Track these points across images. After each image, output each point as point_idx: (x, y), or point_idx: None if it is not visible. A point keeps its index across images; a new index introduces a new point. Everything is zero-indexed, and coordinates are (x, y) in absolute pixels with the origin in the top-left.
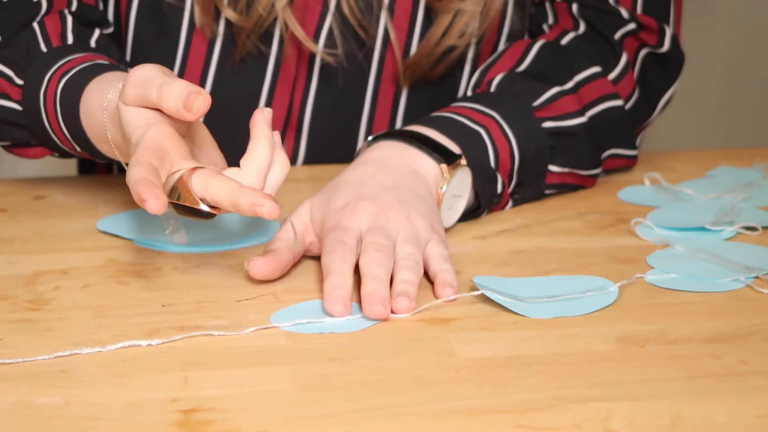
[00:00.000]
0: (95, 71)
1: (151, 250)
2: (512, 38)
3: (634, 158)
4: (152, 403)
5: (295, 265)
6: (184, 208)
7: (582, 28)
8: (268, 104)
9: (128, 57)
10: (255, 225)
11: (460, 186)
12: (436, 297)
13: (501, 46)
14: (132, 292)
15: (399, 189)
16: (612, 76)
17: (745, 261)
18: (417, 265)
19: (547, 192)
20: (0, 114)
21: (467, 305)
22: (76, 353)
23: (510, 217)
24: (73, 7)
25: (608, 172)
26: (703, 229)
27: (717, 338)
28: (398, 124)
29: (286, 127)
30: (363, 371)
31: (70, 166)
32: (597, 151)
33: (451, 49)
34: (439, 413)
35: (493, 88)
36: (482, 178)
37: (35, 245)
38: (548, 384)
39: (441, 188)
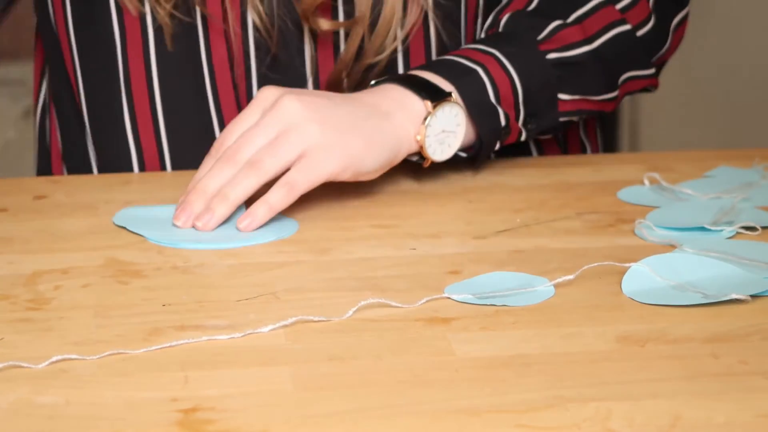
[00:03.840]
0: None
1: (151, 250)
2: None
3: (653, 78)
4: (152, 403)
5: (295, 265)
6: None
7: None
8: (213, 85)
9: (74, 53)
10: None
11: (452, 122)
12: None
13: (432, 50)
14: (132, 292)
15: (357, 112)
16: (620, 5)
17: (763, 258)
18: (246, 182)
19: (562, 120)
20: None
21: (467, 305)
22: (73, 358)
23: (510, 217)
24: None
25: (631, 93)
26: (702, 229)
27: (717, 338)
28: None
29: (241, 109)
30: (363, 371)
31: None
32: (610, 77)
33: (372, 65)
34: (439, 413)
35: (500, 28)
36: (480, 113)
37: (35, 245)
38: (548, 384)
39: (425, 123)
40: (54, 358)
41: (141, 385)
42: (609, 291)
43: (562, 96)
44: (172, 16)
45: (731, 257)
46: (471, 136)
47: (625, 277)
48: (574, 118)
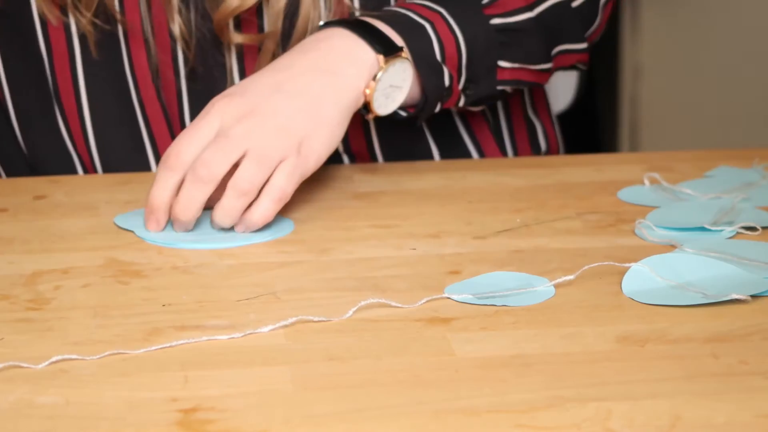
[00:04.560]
0: None
1: (151, 250)
2: None
3: (584, 52)
4: (152, 403)
5: (295, 265)
6: None
7: None
8: (138, 96)
9: (3, 81)
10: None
11: (399, 77)
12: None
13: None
14: (132, 292)
15: (306, 91)
16: None
17: (763, 258)
18: (232, 210)
19: (499, 88)
20: None
21: (467, 305)
22: (74, 358)
23: (510, 217)
24: None
25: (562, 68)
26: (703, 229)
27: (717, 338)
28: None
29: (171, 123)
30: (363, 371)
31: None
32: (547, 47)
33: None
34: (439, 413)
35: None
36: (427, 70)
37: (35, 245)
38: (548, 384)
39: (376, 77)
40: (54, 358)
41: (141, 385)
42: (609, 291)
43: (502, 63)
44: (93, 24)
45: (731, 257)
46: (414, 93)
47: (625, 278)
48: (509, 89)
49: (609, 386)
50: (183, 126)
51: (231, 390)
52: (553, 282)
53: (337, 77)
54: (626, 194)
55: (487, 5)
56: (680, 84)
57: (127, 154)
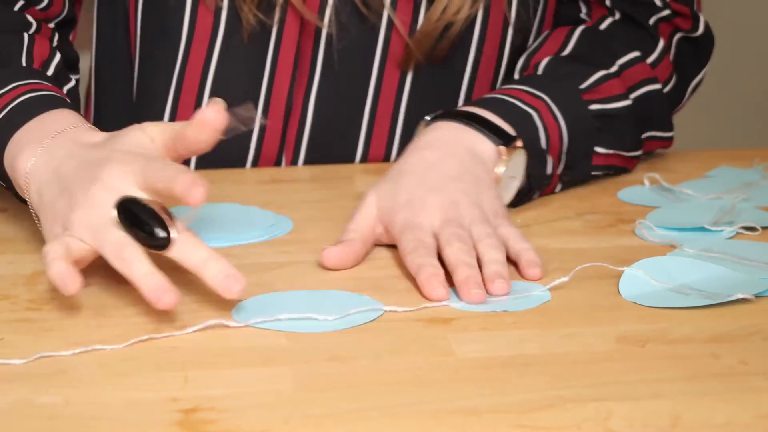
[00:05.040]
0: (59, 104)
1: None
2: (519, 27)
3: (670, 140)
4: (152, 403)
5: (295, 265)
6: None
7: (617, 15)
8: (269, 85)
9: (137, 38)
10: (256, 222)
11: (515, 168)
12: (523, 277)
13: (509, 33)
14: (132, 292)
15: (463, 178)
16: (650, 60)
17: (763, 258)
18: (500, 244)
19: (593, 173)
20: None
21: (467, 305)
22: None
23: (510, 217)
24: (54, 42)
25: (648, 154)
26: (703, 229)
27: (717, 338)
28: (402, 110)
29: (290, 113)
30: (363, 371)
31: None
32: (640, 133)
33: (450, 24)
34: (439, 413)
35: (540, 71)
36: (534, 160)
37: (36, 245)
38: (548, 384)
39: (498, 170)
40: (51, 353)
41: (141, 385)
42: (609, 291)
43: (598, 149)
44: (253, 14)
45: (731, 257)
46: (522, 181)
47: (621, 282)
48: (601, 173)
49: (609, 386)
50: (303, 114)
51: (231, 390)
52: (548, 286)
53: (472, 175)
54: (626, 194)
55: (586, 90)
56: None
57: (230, 142)
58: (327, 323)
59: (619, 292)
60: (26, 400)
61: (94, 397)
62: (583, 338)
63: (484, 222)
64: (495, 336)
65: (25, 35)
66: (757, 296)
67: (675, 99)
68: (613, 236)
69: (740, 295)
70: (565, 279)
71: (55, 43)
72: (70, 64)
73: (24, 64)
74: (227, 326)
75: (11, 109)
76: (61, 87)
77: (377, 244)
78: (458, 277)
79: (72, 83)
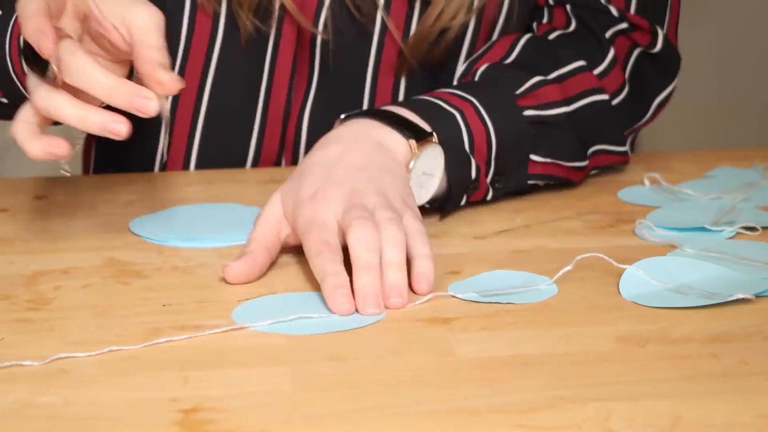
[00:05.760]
0: None
1: (151, 250)
2: (508, 32)
3: (624, 154)
4: (152, 403)
5: (295, 265)
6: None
7: (573, 25)
8: (267, 90)
9: None
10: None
11: (431, 164)
12: (411, 289)
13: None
14: (132, 292)
15: (368, 167)
16: (597, 70)
17: (763, 258)
18: (401, 237)
19: (530, 182)
20: None
21: (467, 305)
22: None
23: (510, 217)
24: None
25: (601, 169)
26: (703, 229)
27: (717, 338)
28: None
29: (288, 117)
30: (363, 371)
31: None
32: (582, 144)
33: (445, 30)
34: (439, 413)
35: (477, 78)
36: (454, 160)
37: (36, 245)
38: (548, 384)
39: (410, 164)
40: (54, 356)
41: (141, 385)
42: (609, 291)
43: (533, 157)
44: (251, 21)
45: (731, 257)
46: (444, 184)
47: (621, 282)
48: (541, 183)
49: (609, 386)
50: (300, 119)
51: (231, 390)
52: (553, 279)
53: (387, 168)
54: (626, 194)
55: (522, 95)
56: (680, 84)
57: (229, 145)
58: (331, 323)
59: (619, 292)
60: (26, 400)
61: (94, 397)
62: (583, 338)
63: (388, 207)
64: (495, 336)
65: None
66: (757, 296)
67: (633, 113)
68: (613, 236)
69: (740, 295)
70: (569, 268)
71: None
72: None
73: None
74: (227, 327)
75: None
76: None
77: (294, 246)
78: (356, 283)
79: None
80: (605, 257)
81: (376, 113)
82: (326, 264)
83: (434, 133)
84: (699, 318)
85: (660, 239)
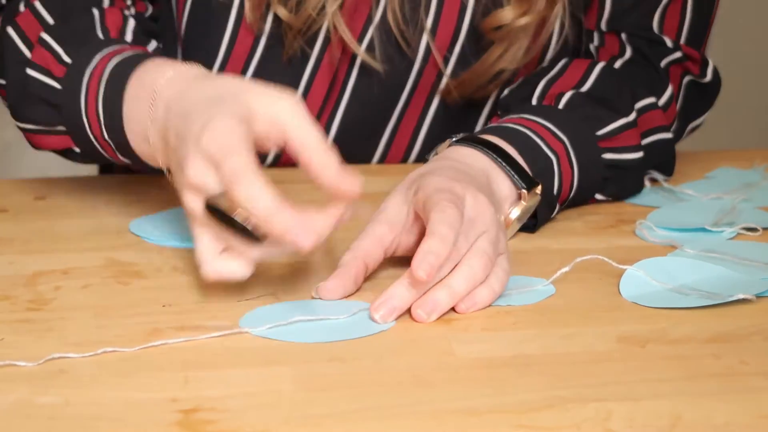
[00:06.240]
0: (151, 56)
1: (152, 250)
2: (552, 57)
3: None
4: (152, 403)
5: (295, 265)
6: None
7: (628, 53)
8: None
9: (179, 52)
10: None
11: (527, 212)
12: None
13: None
14: (132, 292)
15: (492, 200)
16: (661, 104)
17: (763, 258)
18: (481, 273)
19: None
20: (36, 89)
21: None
22: (71, 356)
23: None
24: (132, 11)
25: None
26: (703, 229)
27: (717, 338)
28: (421, 137)
29: None
30: (363, 371)
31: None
32: (641, 180)
33: (501, 72)
34: (439, 413)
35: (562, 105)
36: (544, 205)
37: (36, 245)
38: (548, 384)
39: (513, 213)
40: (53, 356)
41: (141, 385)
42: (609, 291)
43: (598, 196)
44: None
45: (732, 258)
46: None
47: (621, 282)
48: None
49: (609, 386)
50: (327, 131)
51: (231, 390)
52: (550, 280)
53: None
54: None
55: (603, 138)
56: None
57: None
58: (333, 330)
59: (619, 292)
60: (26, 400)
61: (94, 397)
62: (583, 338)
63: (492, 241)
64: (495, 336)
65: (95, 10)
66: (758, 296)
67: (676, 139)
68: (613, 236)
69: (740, 295)
70: (566, 269)
71: (129, 12)
72: (149, 33)
73: (101, 37)
74: (227, 327)
75: (107, 80)
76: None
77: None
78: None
79: (153, 45)
80: (605, 258)
81: (484, 144)
82: (443, 224)
83: (539, 184)
84: (699, 318)
85: (660, 240)
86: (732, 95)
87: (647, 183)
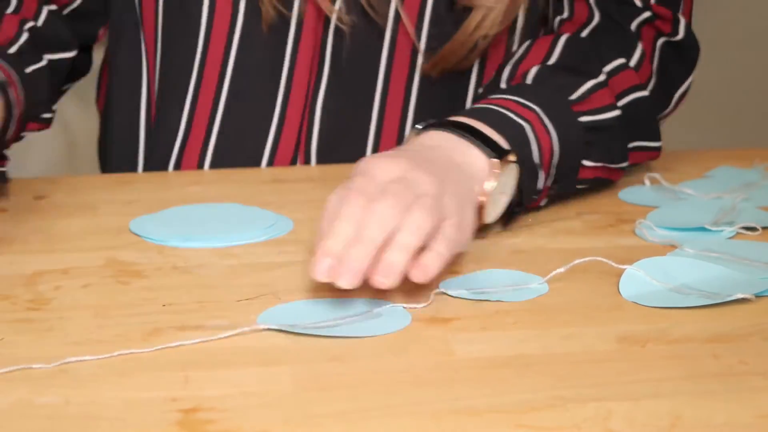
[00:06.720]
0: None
1: (151, 250)
2: (523, 33)
3: (658, 150)
4: (152, 403)
5: (295, 265)
6: None
7: (597, 18)
8: (289, 75)
9: (160, 28)
10: (256, 222)
11: (507, 183)
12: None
13: (515, 40)
14: (132, 292)
15: (443, 171)
16: (632, 64)
17: (763, 258)
18: (427, 223)
19: (578, 187)
20: None
21: (468, 305)
22: (72, 360)
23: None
24: (40, 22)
25: (634, 165)
26: (703, 229)
27: (717, 338)
28: (412, 104)
29: (308, 105)
30: (363, 371)
31: (73, 167)
32: (626, 144)
33: (483, 38)
34: (438, 413)
35: (529, 80)
36: (527, 175)
37: (36, 245)
38: (548, 384)
39: (489, 185)
40: (68, 359)
41: (141, 385)
42: (609, 291)
43: (585, 162)
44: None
45: (731, 257)
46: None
47: (621, 281)
48: (587, 186)
49: (609, 386)
50: (312, 107)
51: (231, 390)
52: (545, 279)
53: (470, 179)
54: (626, 194)
55: (575, 102)
56: None
57: (250, 134)
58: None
59: (619, 292)
60: (26, 400)
61: (94, 397)
62: (583, 338)
63: (432, 205)
64: (495, 336)
65: None
66: (757, 296)
67: (659, 104)
68: (613, 236)
69: (740, 295)
70: (561, 270)
71: (29, 24)
72: (50, 44)
73: None
74: (227, 327)
75: None
76: (23, 65)
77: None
78: (346, 254)
79: (42, 63)
80: (604, 259)
81: (453, 125)
82: (342, 220)
83: (512, 152)
84: (699, 318)
85: (660, 239)
86: (732, 95)
87: (647, 182)
